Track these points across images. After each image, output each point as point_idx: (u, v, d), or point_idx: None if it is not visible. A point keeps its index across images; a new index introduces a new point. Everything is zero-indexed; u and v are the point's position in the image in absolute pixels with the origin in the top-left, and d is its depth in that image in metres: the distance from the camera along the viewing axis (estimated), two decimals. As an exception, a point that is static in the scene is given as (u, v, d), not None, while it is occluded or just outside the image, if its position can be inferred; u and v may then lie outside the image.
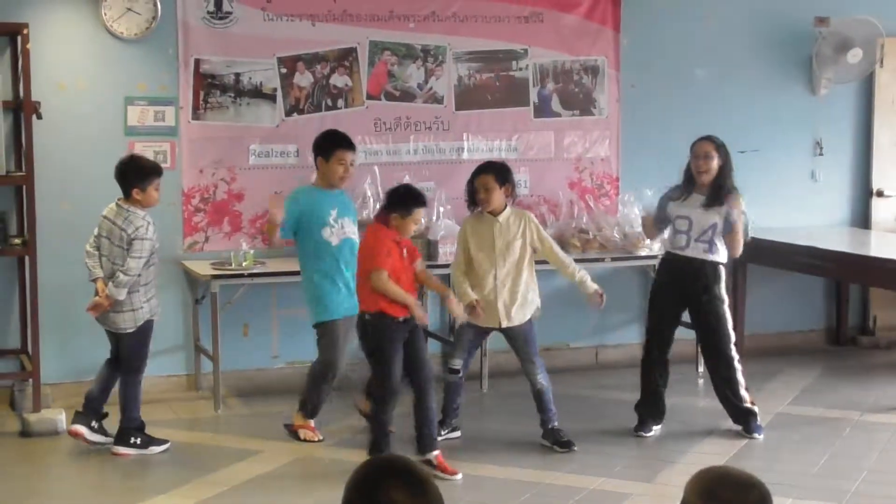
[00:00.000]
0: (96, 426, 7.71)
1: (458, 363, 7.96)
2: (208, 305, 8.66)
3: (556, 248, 7.98)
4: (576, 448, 7.66)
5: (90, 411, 7.69)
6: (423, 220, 7.76)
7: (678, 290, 8.03)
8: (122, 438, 7.58)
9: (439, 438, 7.81)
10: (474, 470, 7.32)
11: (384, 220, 7.29)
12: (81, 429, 7.62)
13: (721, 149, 7.94)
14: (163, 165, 8.70)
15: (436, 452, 7.25)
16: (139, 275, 7.47)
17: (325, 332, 8.03)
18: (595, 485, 7.03)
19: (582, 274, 7.92)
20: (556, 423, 7.88)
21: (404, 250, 7.31)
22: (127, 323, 7.55)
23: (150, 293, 7.61)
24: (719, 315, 7.99)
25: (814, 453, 7.64)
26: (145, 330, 7.62)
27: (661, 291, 8.17)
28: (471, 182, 7.85)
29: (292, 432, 8.10)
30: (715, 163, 7.88)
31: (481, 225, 7.82)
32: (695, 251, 7.93)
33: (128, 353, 7.62)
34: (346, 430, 8.24)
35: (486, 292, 7.76)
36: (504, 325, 7.83)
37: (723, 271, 8.01)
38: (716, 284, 7.97)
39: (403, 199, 7.29)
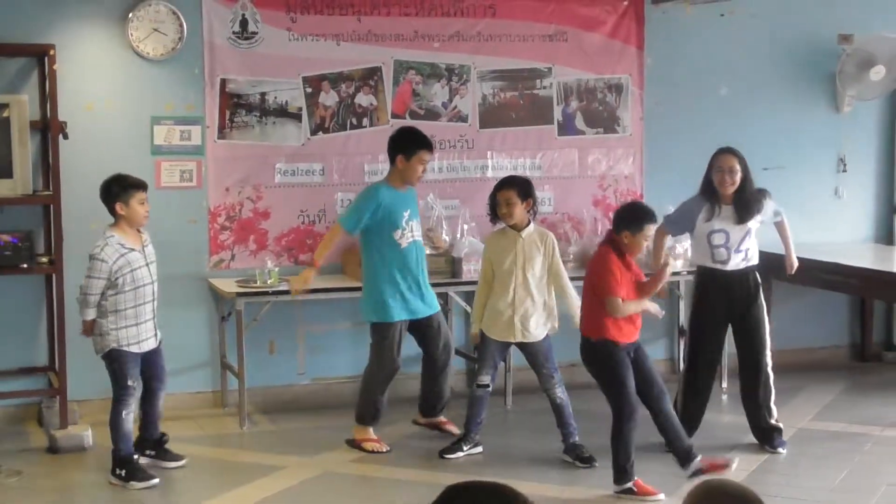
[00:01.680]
0: (152, 453, 7.76)
1: (486, 378, 8.03)
2: (234, 323, 8.74)
3: (564, 276, 8.04)
4: (597, 464, 7.69)
5: (141, 440, 7.77)
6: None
7: (724, 304, 8.05)
8: (111, 468, 7.53)
9: (462, 454, 7.89)
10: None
11: (613, 241, 7.22)
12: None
13: (742, 161, 7.99)
14: (189, 184, 8.94)
15: (698, 458, 7.33)
16: (98, 295, 7.39)
17: (381, 334, 8.14)
18: (614, 500, 7.07)
19: (576, 310, 7.90)
20: (576, 438, 7.95)
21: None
22: (96, 346, 7.56)
23: (125, 322, 7.45)
24: (763, 324, 8.09)
25: (834, 468, 7.65)
26: (116, 358, 7.46)
27: (708, 307, 8.13)
28: (493, 196, 7.93)
29: (356, 446, 8.19)
30: (738, 176, 7.92)
31: (504, 240, 7.91)
32: (735, 263, 7.98)
33: (111, 381, 7.61)
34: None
35: (504, 307, 7.84)
36: (519, 339, 7.93)
37: (759, 278, 8.12)
38: (759, 291, 8.08)
39: (636, 217, 7.23)
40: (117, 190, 7.49)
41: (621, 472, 7.13)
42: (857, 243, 10.77)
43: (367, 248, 8.18)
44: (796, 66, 10.49)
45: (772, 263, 9.96)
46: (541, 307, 7.91)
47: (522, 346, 8.00)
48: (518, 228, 7.88)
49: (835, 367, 10.54)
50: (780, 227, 8.45)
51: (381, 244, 8.10)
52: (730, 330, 8.21)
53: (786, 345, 10.42)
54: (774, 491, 7.23)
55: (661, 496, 7.07)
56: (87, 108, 8.79)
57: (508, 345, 8.09)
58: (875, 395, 9.64)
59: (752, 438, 8.14)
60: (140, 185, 7.58)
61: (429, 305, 8.24)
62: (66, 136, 8.34)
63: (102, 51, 8.85)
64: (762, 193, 8.10)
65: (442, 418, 8.52)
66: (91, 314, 7.45)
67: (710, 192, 8.01)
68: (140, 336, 7.52)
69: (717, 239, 8.01)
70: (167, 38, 8.92)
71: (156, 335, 7.68)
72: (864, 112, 10.71)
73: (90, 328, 7.52)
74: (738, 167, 7.91)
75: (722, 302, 8.06)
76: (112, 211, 7.51)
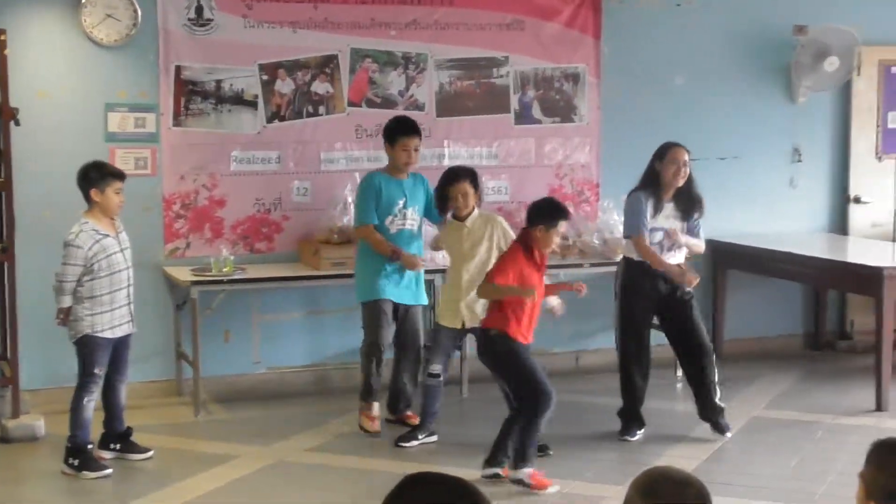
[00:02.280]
0: (116, 447, 7.73)
1: (437, 367, 8.07)
2: (189, 311, 8.71)
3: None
4: (551, 452, 7.70)
5: (106, 434, 7.75)
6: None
7: (651, 293, 8.07)
8: (64, 457, 7.49)
9: (416, 443, 7.91)
10: (447, 472, 7.35)
11: (527, 236, 7.20)
12: (101, 453, 7.66)
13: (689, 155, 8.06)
14: (143, 172, 8.90)
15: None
16: (74, 282, 7.36)
17: (367, 312, 8.21)
18: (568, 488, 7.11)
19: None
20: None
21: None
22: (69, 332, 7.52)
23: (100, 308, 7.42)
24: (695, 308, 8.14)
25: (785, 456, 7.72)
26: (87, 344, 7.43)
27: (635, 297, 8.16)
28: (444, 189, 7.96)
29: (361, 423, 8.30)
30: (688, 170, 7.98)
31: (452, 229, 8.02)
32: (672, 259, 8.02)
33: (78, 367, 7.58)
34: (329, 434, 8.32)
35: (454, 294, 7.95)
36: (467, 325, 7.96)
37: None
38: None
39: (552, 212, 7.23)
40: (95, 176, 7.46)
41: (524, 454, 7.06)
42: (812, 233, 10.82)
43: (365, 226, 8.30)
44: (752, 56, 10.52)
45: (726, 252, 10.07)
46: None
47: (472, 332, 8.01)
48: (462, 217, 7.96)
49: (788, 355, 10.57)
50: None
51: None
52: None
53: (740, 333, 10.52)
54: (727, 479, 7.28)
55: (555, 488, 7.11)
56: (40, 94, 8.72)
57: (459, 333, 8.10)
58: (828, 383, 9.69)
59: (702, 430, 8.18)
60: (118, 175, 7.57)
61: (413, 296, 8.29)
62: (17, 123, 8.25)
63: (55, 36, 8.78)
64: (702, 200, 8.16)
65: (409, 412, 8.50)
66: (67, 301, 7.42)
67: (653, 187, 8.03)
68: (114, 321, 7.50)
69: (656, 237, 8.05)
70: (121, 24, 8.85)
71: (131, 321, 7.66)
72: (819, 103, 10.74)
73: (67, 315, 7.47)
74: (687, 161, 8.00)
75: (647, 289, 8.09)
76: (87, 196, 7.47)
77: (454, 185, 7.93)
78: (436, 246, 8.39)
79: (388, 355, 8.41)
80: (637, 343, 8.24)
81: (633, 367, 8.22)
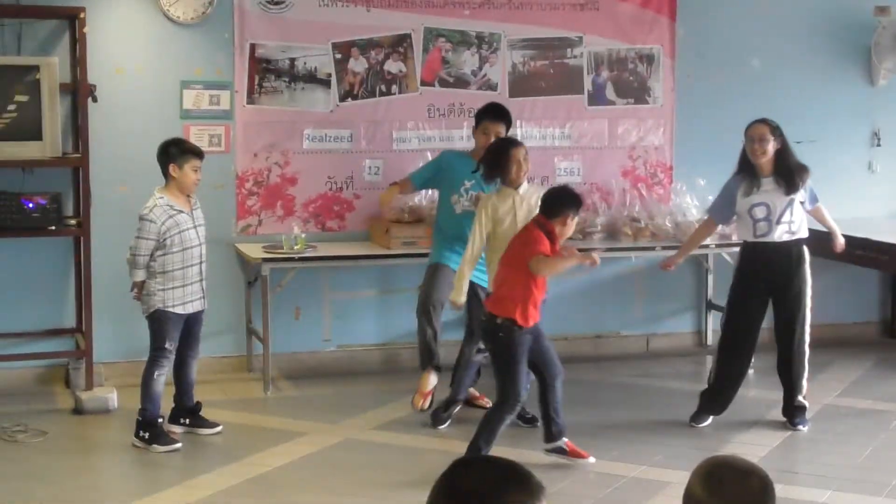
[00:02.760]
0: (186, 421, 7.81)
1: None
2: (260, 288, 8.76)
3: None
4: (538, 424, 7.57)
5: (176, 409, 7.84)
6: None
7: (765, 278, 7.91)
8: (135, 430, 7.56)
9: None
10: (514, 456, 7.35)
11: (547, 227, 6.97)
12: (171, 427, 7.74)
13: (776, 130, 7.81)
14: (217, 149, 8.95)
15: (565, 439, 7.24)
16: (148, 256, 7.42)
17: (428, 273, 8.10)
18: (635, 472, 7.06)
19: None
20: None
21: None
22: (142, 306, 7.59)
23: (171, 284, 7.48)
24: (802, 298, 7.97)
25: (857, 445, 7.61)
26: (158, 319, 7.50)
27: (747, 283, 7.99)
28: (503, 152, 7.53)
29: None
30: (771, 146, 7.75)
31: (504, 196, 7.54)
32: (778, 235, 7.84)
33: (149, 341, 7.65)
34: (397, 413, 8.33)
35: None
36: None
37: (806, 251, 7.97)
38: (801, 264, 7.94)
39: (569, 202, 7.04)
40: (175, 152, 7.53)
41: (476, 452, 6.82)
42: (891, 218, 10.67)
43: (438, 204, 8.32)
44: (830, 38, 10.39)
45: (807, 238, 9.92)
46: None
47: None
48: (515, 185, 7.55)
49: (864, 343, 10.47)
50: (817, 213, 8.19)
51: (443, 204, 8.18)
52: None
53: (815, 320, 10.28)
54: (796, 467, 7.22)
55: None
56: (117, 71, 8.80)
57: None
58: (903, 371, 9.58)
59: (774, 415, 8.10)
60: (197, 153, 7.64)
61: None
62: (94, 100, 8.36)
63: (132, 14, 8.85)
64: (804, 166, 7.94)
65: (474, 392, 8.47)
66: (141, 275, 7.49)
67: (747, 168, 7.89)
68: (185, 297, 7.56)
69: (759, 212, 7.85)
70: (197, 2, 8.90)
71: (203, 298, 7.71)
72: (900, 85, 10.60)
73: (140, 289, 7.54)
74: (769, 136, 7.76)
75: (762, 275, 7.92)
76: (165, 172, 7.54)
77: (517, 147, 7.56)
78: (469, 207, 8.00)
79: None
80: (736, 328, 8.06)
81: (727, 351, 8.07)
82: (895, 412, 8.37)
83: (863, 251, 9.61)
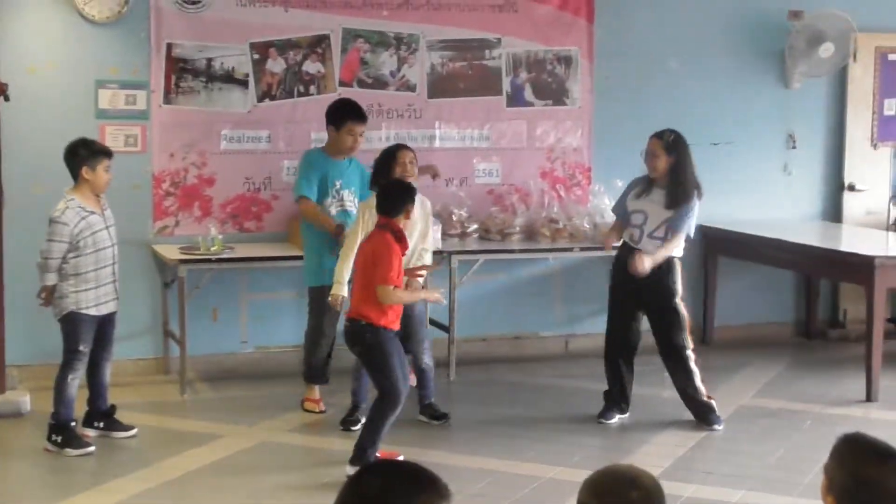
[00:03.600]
0: (100, 424, 7.71)
1: None
2: (177, 290, 8.68)
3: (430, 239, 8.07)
4: (449, 418, 7.86)
5: (90, 412, 7.74)
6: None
7: (633, 283, 7.96)
8: (47, 434, 7.46)
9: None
10: (433, 458, 7.35)
11: (388, 224, 7.00)
12: (85, 430, 7.65)
13: (671, 147, 7.89)
14: (133, 149, 8.90)
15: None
16: (60, 259, 7.32)
17: (313, 297, 8.19)
18: (552, 473, 7.07)
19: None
20: (431, 400, 8.12)
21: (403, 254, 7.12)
22: (54, 309, 7.48)
23: (85, 286, 7.38)
24: (671, 308, 8.00)
25: (771, 446, 7.68)
26: (72, 321, 7.41)
27: (619, 285, 8.14)
28: (391, 155, 7.83)
29: (302, 406, 8.33)
30: (661, 161, 7.87)
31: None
32: (647, 246, 7.91)
33: (63, 344, 7.55)
34: (315, 415, 8.31)
35: None
36: None
37: (676, 264, 8.01)
38: (668, 277, 7.96)
39: (404, 196, 7.10)
40: (85, 154, 7.43)
41: (363, 454, 6.88)
42: (806, 220, 10.78)
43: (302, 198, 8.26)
44: (746, 41, 10.47)
45: (718, 238, 10.04)
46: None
47: None
48: None
49: (779, 343, 10.54)
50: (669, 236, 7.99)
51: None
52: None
53: (730, 321, 10.49)
54: (710, 467, 7.27)
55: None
56: (30, 70, 8.68)
57: None
58: (818, 372, 9.66)
59: (689, 417, 8.15)
60: (107, 153, 7.55)
61: None
62: (7, 99, 8.21)
63: (46, 13, 8.74)
64: (694, 187, 7.96)
65: None
66: (52, 279, 7.38)
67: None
68: (99, 299, 7.47)
69: (636, 219, 8.00)
70: (113, 0, 8.81)
71: (116, 299, 7.63)
72: (814, 89, 10.69)
73: (50, 293, 7.43)
74: (659, 151, 7.88)
75: (628, 282, 8.00)
76: (76, 174, 7.43)
77: (403, 151, 7.84)
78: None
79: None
80: (611, 330, 8.21)
81: (614, 350, 8.21)
82: (809, 412, 8.46)
83: (778, 252, 9.73)
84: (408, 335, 7.76)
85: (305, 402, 8.35)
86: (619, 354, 8.18)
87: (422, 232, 7.83)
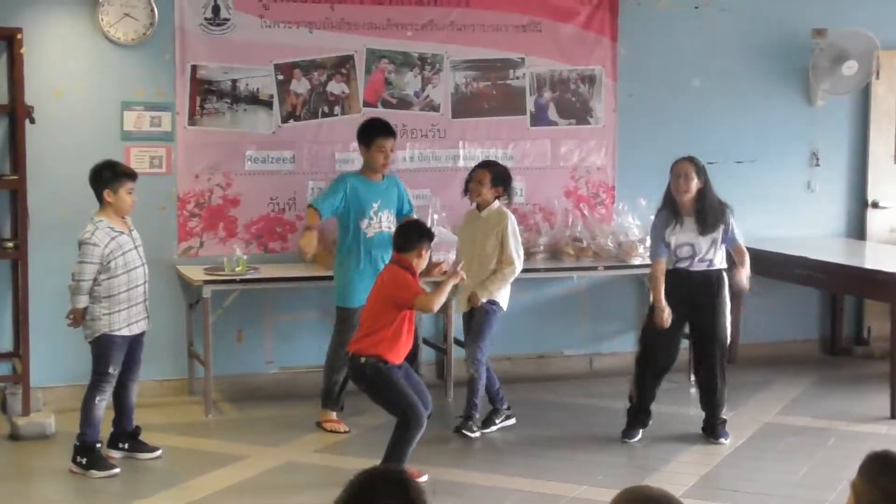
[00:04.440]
0: (125, 446, 7.75)
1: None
2: (201, 310, 8.72)
3: (508, 251, 8.23)
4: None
5: (115, 433, 7.77)
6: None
7: (684, 300, 8.03)
8: (73, 455, 7.48)
9: (495, 427, 8.35)
10: (457, 477, 7.38)
11: (404, 262, 7.11)
12: (110, 452, 7.68)
13: (701, 170, 8.02)
14: (158, 171, 8.94)
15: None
16: (91, 281, 7.35)
17: (340, 318, 8.35)
18: (576, 493, 7.07)
19: (489, 282, 8.20)
20: (472, 412, 8.29)
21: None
22: (86, 331, 7.50)
23: (117, 307, 7.41)
24: (717, 324, 8.08)
25: (796, 463, 7.67)
26: (104, 343, 7.43)
27: (671, 306, 8.12)
28: (469, 175, 8.45)
29: (321, 427, 8.39)
30: (694, 184, 7.95)
31: (470, 218, 8.42)
32: (698, 267, 8.05)
33: (92, 366, 7.58)
34: (340, 435, 8.33)
35: (467, 281, 7.97)
36: (463, 309, 8.41)
37: (725, 277, 8.11)
38: (719, 288, 8.08)
39: (419, 236, 7.19)
40: (108, 176, 7.46)
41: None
42: (830, 238, 10.77)
43: (340, 233, 8.41)
44: (770, 59, 10.48)
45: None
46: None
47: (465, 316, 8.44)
48: (480, 208, 8.33)
49: (804, 361, 10.52)
50: (737, 252, 8.22)
51: (349, 231, 8.29)
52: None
53: (755, 338, 10.48)
54: (735, 485, 7.26)
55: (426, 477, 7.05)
56: (56, 93, 8.74)
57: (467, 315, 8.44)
58: (842, 389, 9.64)
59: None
60: (131, 175, 7.57)
61: None
62: (32, 121, 8.30)
63: (72, 35, 8.80)
64: (723, 206, 8.08)
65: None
66: (84, 301, 7.39)
67: (670, 203, 8.07)
68: (131, 319, 7.50)
69: (683, 252, 8.06)
70: (138, 23, 8.87)
71: (147, 318, 7.65)
72: (837, 106, 10.70)
73: (80, 316, 7.44)
74: (693, 174, 7.95)
75: (679, 298, 8.04)
76: (99, 196, 7.46)
77: (475, 171, 8.38)
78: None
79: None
80: (660, 342, 8.18)
81: (653, 366, 8.21)
82: (833, 429, 8.44)
83: (802, 270, 9.71)
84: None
85: (325, 423, 8.39)
86: (656, 371, 8.21)
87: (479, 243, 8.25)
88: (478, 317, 8.28)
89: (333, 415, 8.42)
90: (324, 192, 8.50)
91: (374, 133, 8.30)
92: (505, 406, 8.45)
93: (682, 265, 8.05)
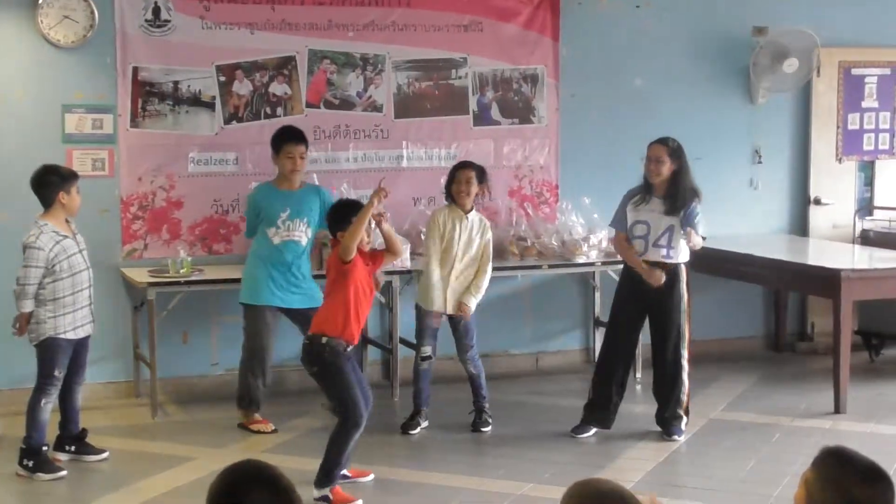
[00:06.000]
0: (72, 448, 7.70)
1: (428, 350, 8.37)
2: (146, 313, 8.67)
3: (489, 264, 8.36)
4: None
5: (61, 436, 7.72)
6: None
7: (639, 293, 8.08)
8: (19, 458, 7.44)
9: (418, 430, 8.35)
10: (402, 476, 7.38)
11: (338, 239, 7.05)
12: (56, 455, 7.64)
13: (675, 152, 8.01)
14: (101, 173, 8.92)
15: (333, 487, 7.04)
16: (37, 285, 7.30)
17: (248, 317, 8.39)
18: (523, 490, 7.08)
19: (474, 291, 8.31)
20: (485, 405, 8.46)
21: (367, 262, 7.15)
22: (31, 335, 7.45)
23: (62, 310, 7.37)
24: (673, 318, 8.11)
25: (741, 459, 7.71)
26: (49, 346, 7.39)
27: (622, 298, 8.24)
28: (452, 174, 8.34)
29: (246, 429, 8.38)
30: (666, 167, 7.95)
31: (452, 216, 8.28)
32: (654, 255, 8.03)
33: (37, 369, 7.52)
34: (286, 436, 8.31)
35: (441, 278, 8.22)
36: (450, 312, 8.28)
37: (682, 270, 8.12)
38: (676, 284, 8.08)
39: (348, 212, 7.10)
40: (57, 179, 7.43)
41: (328, 476, 6.90)
42: (773, 234, 10.86)
43: (255, 238, 8.49)
44: (711, 57, 10.55)
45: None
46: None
47: (450, 318, 8.37)
48: (465, 210, 8.28)
49: (749, 357, 10.61)
50: (687, 234, 8.13)
51: (258, 237, 8.40)
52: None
53: (700, 335, 10.41)
54: (681, 481, 7.31)
55: (359, 503, 6.91)
56: (-4, 95, 8.69)
57: (440, 317, 8.38)
58: (787, 385, 9.71)
59: (659, 432, 8.21)
60: (76, 175, 7.60)
61: (310, 298, 8.27)
62: (-28, 124, 8.25)
63: (12, 37, 8.74)
64: (693, 192, 8.09)
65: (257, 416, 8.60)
66: (29, 305, 7.35)
67: (646, 183, 8.10)
68: (76, 322, 7.46)
69: (638, 230, 8.07)
70: (78, 25, 8.81)
71: (92, 322, 7.63)
72: (779, 104, 10.79)
73: (26, 321, 7.39)
74: (665, 157, 7.95)
75: (636, 292, 8.10)
76: (50, 200, 7.40)
77: (461, 170, 8.31)
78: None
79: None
80: (612, 342, 8.29)
81: (611, 362, 8.26)
82: (778, 425, 8.51)
83: (746, 267, 9.78)
84: (456, 343, 8.36)
85: (253, 424, 8.41)
86: (615, 367, 8.24)
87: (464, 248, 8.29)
88: (461, 322, 8.34)
89: (257, 415, 8.45)
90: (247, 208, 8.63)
91: (281, 140, 8.37)
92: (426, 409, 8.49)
93: (637, 251, 8.05)
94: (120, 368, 9.21)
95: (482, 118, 9.93)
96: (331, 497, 6.87)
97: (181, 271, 8.70)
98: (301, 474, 7.34)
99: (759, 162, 10.81)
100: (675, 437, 8.11)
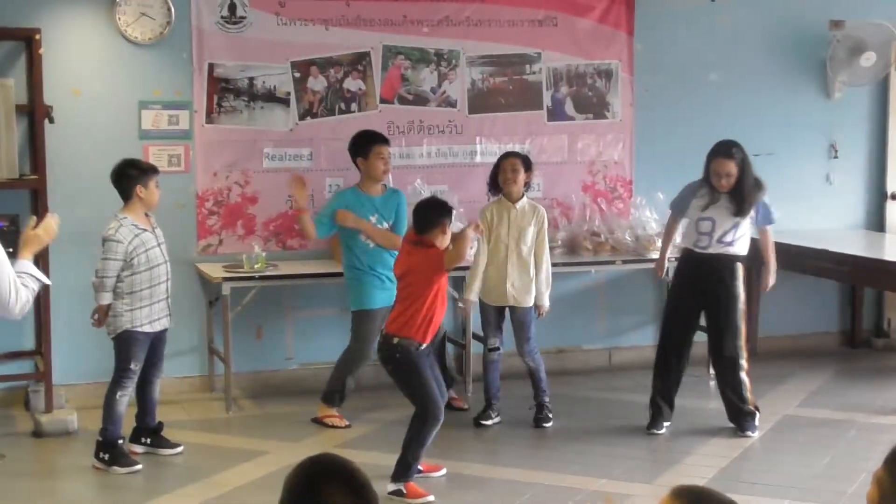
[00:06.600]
0: (147, 441, 7.80)
1: (495, 341, 8.41)
2: (221, 308, 8.75)
3: (545, 253, 8.33)
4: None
5: (137, 429, 7.82)
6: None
7: (697, 286, 8.08)
8: (95, 451, 7.53)
9: (490, 423, 8.37)
10: (476, 471, 7.40)
11: (420, 241, 7.05)
12: (132, 447, 7.73)
13: (740, 158, 7.94)
14: (177, 169, 8.99)
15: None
16: (115, 278, 7.40)
17: (359, 321, 8.39)
18: (596, 486, 7.08)
19: (543, 287, 8.33)
20: (545, 400, 8.42)
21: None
22: (108, 328, 7.54)
23: (139, 303, 7.45)
24: (730, 310, 8.05)
25: (816, 455, 7.66)
26: (125, 339, 7.46)
27: (680, 291, 8.25)
28: (497, 165, 8.33)
29: (318, 422, 8.44)
30: (734, 179, 7.92)
31: (500, 209, 8.28)
32: (717, 249, 8.03)
33: (114, 362, 7.62)
34: (360, 430, 8.36)
35: (500, 274, 8.24)
36: (511, 304, 8.29)
37: (740, 267, 8.09)
38: (732, 278, 8.04)
39: (435, 214, 7.09)
40: (136, 173, 7.52)
41: (406, 471, 6.93)
42: (848, 230, 10.76)
43: (343, 246, 8.53)
44: (787, 52, 10.46)
45: (761, 250, 9.97)
46: (530, 276, 8.28)
47: (511, 310, 8.36)
48: (513, 199, 8.25)
49: (824, 353, 10.53)
50: (763, 234, 8.30)
51: (353, 244, 8.41)
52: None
53: (775, 331, 10.47)
54: (755, 477, 7.25)
55: (431, 497, 6.91)
56: (74, 92, 8.78)
57: (503, 309, 8.38)
58: (862, 381, 9.63)
59: (731, 425, 8.18)
60: (155, 169, 7.70)
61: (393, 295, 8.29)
62: (51, 121, 8.37)
63: (90, 35, 8.85)
64: (759, 187, 8.05)
65: (452, 394, 8.64)
66: (108, 298, 7.45)
67: (709, 181, 8.04)
68: (153, 316, 7.54)
69: (704, 226, 8.04)
70: (155, 22, 8.91)
71: (169, 315, 7.70)
72: (855, 98, 10.67)
73: (105, 313, 7.49)
74: (734, 171, 7.90)
75: (693, 284, 8.10)
76: (129, 194, 7.50)
77: (506, 159, 8.32)
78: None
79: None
80: (669, 334, 8.29)
81: (668, 355, 8.25)
82: (854, 422, 8.43)
83: (821, 262, 9.69)
84: (515, 336, 8.35)
85: (326, 418, 8.45)
86: (673, 359, 8.22)
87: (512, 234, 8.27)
88: (520, 314, 8.33)
89: (335, 410, 8.49)
90: (323, 208, 8.62)
91: (370, 142, 8.40)
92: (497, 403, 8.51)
93: (700, 245, 8.04)
94: (195, 363, 9.29)
95: (556, 113, 9.92)
96: (404, 491, 6.91)
97: (255, 266, 8.77)
98: (375, 469, 7.38)
99: (836, 157, 10.71)
100: (749, 433, 8.06)
